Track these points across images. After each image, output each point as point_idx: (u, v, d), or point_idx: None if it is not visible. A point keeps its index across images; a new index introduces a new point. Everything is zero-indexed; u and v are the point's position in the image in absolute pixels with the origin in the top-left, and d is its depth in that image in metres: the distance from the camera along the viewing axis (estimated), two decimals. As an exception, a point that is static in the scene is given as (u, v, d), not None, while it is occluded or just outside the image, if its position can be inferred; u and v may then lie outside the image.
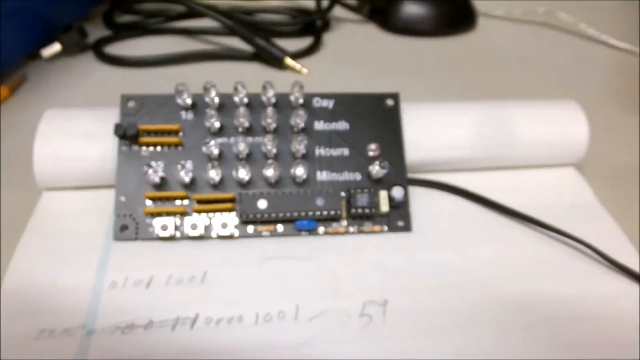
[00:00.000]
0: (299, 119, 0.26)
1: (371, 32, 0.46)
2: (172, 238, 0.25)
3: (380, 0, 0.46)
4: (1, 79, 0.36)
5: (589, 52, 0.45)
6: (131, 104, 0.27)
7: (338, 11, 0.47)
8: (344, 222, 0.26)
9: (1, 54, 0.35)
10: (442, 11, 0.46)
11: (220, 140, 0.26)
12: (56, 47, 0.39)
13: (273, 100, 0.27)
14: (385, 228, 0.26)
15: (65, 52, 0.39)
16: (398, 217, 0.26)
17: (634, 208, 0.29)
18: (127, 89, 0.28)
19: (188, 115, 0.27)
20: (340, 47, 0.43)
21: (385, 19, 0.46)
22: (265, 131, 0.27)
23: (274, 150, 0.26)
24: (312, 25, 0.44)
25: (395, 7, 0.45)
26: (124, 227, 0.25)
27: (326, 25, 0.45)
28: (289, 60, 0.38)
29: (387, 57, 0.42)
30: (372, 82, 0.38)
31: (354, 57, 0.42)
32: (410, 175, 0.28)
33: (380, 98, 0.28)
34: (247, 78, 0.26)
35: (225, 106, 0.27)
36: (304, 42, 0.42)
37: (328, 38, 0.44)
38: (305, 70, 0.39)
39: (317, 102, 0.28)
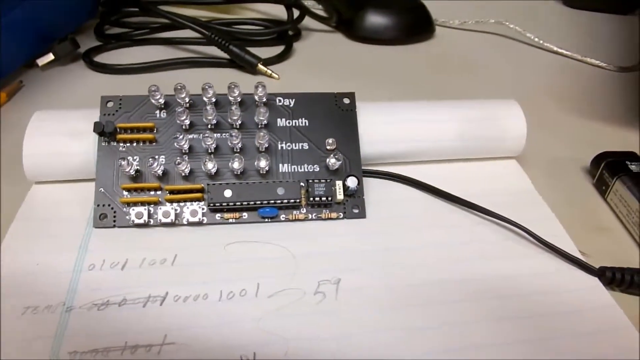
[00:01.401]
0: (261, 116, 0.26)
1: (338, 40, 0.46)
2: (146, 225, 0.25)
3: (347, 11, 0.46)
4: (0, 85, 0.36)
5: (534, 58, 0.46)
6: (110, 104, 0.27)
7: (309, 21, 0.47)
8: (304, 210, 0.26)
9: (2, 63, 0.35)
10: (402, 21, 0.46)
11: (190, 135, 0.26)
12: (50, 56, 0.39)
13: (239, 99, 0.27)
14: (341, 215, 0.26)
15: (58, 61, 0.39)
16: (353, 205, 0.26)
17: (567, 195, 0.30)
18: (114, 93, 0.27)
19: (162, 114, 0.27)
20: (310, 54, 0.43)
21: (351, 28, 0.46)
22: (231, 127, 0.27)
23: (240, 145, 0.26)
24: (285, 35, 0.44)
25: (360, 17, 0.45)
26: (103, 216, 0.25)
27: (297, 35, 0.45)
28: (261, 67, 0.38)
29: (352, 63, 0.43)
30: (337, 85, 0.38)
31: (322, 63, 0.42)
32: (365, 167, 0.28)
33: (337, 97, 0.28)
34: (224, 82, 0.26)
35: (196, 105, 0.27)
36: (277, 50, 0.42)
37: (299, 46, 0.44)
38: (276, 75, 0.39)
39: (280, 101, 0.28)
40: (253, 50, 0.40)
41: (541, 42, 0.46)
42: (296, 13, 0.44)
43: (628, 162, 0.29)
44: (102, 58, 0.40)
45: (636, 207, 0.27)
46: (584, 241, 0.26)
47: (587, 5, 0.56)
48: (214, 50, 0.41)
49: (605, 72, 0.44)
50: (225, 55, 0.40)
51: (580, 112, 0.38)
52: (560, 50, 0.46)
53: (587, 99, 0.40)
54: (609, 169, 0.29)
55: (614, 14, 0.56)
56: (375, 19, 0.45)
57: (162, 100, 0.26)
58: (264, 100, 0.27)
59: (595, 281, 0.24)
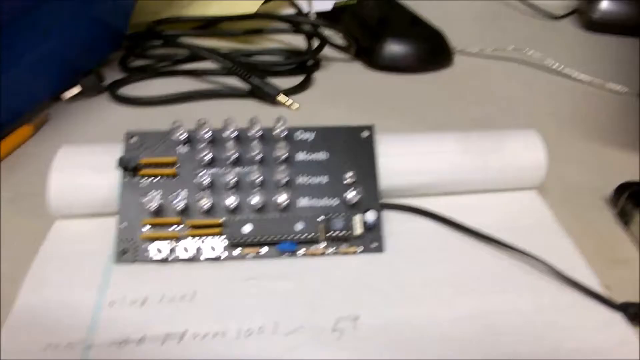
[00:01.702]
0: (281, 151, 0.26)
1: (357, 70, 0.46)
2: (166, 260, 0.25)
3: (366, 40, 0.46)
4: (28, 118, 0.36)
5: (554, 85, 0.45)
6: (134, 139, 0.27)
7: (328, 51, 0.47)
8: (322, 244, 0.26)
9: (29, 97, 0.36)
10: (421, 49, 0.46)
11: (211, 170, 0.26)
12: (76, 89, 0.39)
13: (259, 133, 0.27)
14: (360, 249, 0.26)
15: (84, 94, 0.40)
16: (371, 239, 0.26)
17: (589, 226, 0.29)
18: (138, 125, 0.28)
19: (183, 149, 0.27)
20: (329, 83, 0.43)
21: (370, 58, 0.46)
22: (252, 162, 0.27)
23: (260, 179, 0.26)
24: (304, 65, 0.44)
25: (379, 47, 0.45)
26: (124, 251, 0.25)
27: (317, 65, 0.45)
28: (281, 97, 0.39)
29: (371, 92, 0.43)
30: (357, 114, 0.38)
31: (342, 93, 0.42)
32: (384, 200, 0.28)
33: (356, 130, 0.28)
34: (244, 113, 0.27)
35: (217, 140, 0.27)
36: (297, 80, 0.42)
37: (318, 76, 0.44)
38: (296, 105, 0.39)
39: (299, 135, 0.28)
40: (273, 80, 0.40)
41: (561, 68, 0.46)
42: (316, 43, 0.44)
43: (652, 193, 0.29)
44: (127, 90, 0.41)
45: (662, 240, 0.26)
46: (606, 274, 0.25)
47: (608, 29, 0.55)
48: (233, 81, 0.41)
49: (627, 98, 0.43)
50: (246, 86, 0.40)
51: (602, 139, 0.37)
52: (581, 76, 0.45)
53: (609, 126, 0.39)
54: (632, 199, 0.29)
55: (635, 37, 0.55)
56: (395, 48, 0.45)
57: (184, 136, 0.26)
58: (284, 134, 0.27)
59: (617, 317, 0.23)
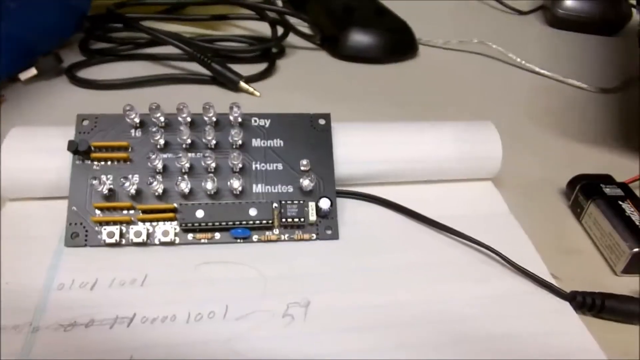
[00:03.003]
0: (236, 137, 0.26)
1: (322, 59, 0.46)
2: (118, 244, 0.25)
3: (331, 29, 0.47)
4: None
5: (515, 78, 0.46)
6: (85, 122, 0.27)
7: (293, 39, 0.47)
8: (276, 231, 0.26)
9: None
10: (386, 40, 0.46)
11: (164, 155, 0.26)
12: (33, 71, 0.39)
13: (214, 119, 0.27)
14: (314, 236, 0.26)
15: (41, 76, 0.39)
16: (326, 226, 0.27)
17: (542, 217, 0.30)
18: (97, 109, 0.27)
19: (137, 133, 0.27)
20: (293, 72, 0.43)
21: (335, 47, 0.46)
22: (206, 147, 0.27)
23: (213, 165, 0.26)
24: (268, 52, 0.44)
25: (344, 36, 0.45)
26: (74, 234, 0.25)
27: (281, 52, 0.45)
28: (243, 84, 0.39)
29: (335, 82, 0.43)
30: (319, 104, 0.38)
31: (305, 81, 0.42)
32: (340, 187, 0.28)
33: (313, 117, 0.28)
34: (206, 100, 0.26)
35: (171, 124, 0.27)
36: (260, 67, 0.42)
37: (282, 64, 0.44)
38: (257, 93, 0.39)
39: (255, 122, 0.28)
40: (236, 67, 0.40)
41: (523, 62, 0.47)
42: (280, 30, 0.44)
43: (603, 185, 0.30)
44: (86, 73, 0.40)
45: (609, 231, 0.27)
46: (557, 264, 0.26)
47: (571, 26, 0.57)
48: (197, 67, 0.41)
49: (586, 94, 0.44)
50: (208, 72, 0.40)
51: (560, 133, 0.38)
52: (541, 71, 0.46)
53: (567, 120, 0.40)
54: (584, 191, 0.30)
55: (597, 35, 0.56)
56: (359, 38, 0.45)
57: (137, 120, 0.26)
58: (239, 120, 0.27)
59: (565, 305, 0.24)
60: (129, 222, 0.25)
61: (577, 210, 0.30)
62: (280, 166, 0.27)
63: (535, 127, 0.39)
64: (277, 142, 0.27)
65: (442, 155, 0.29)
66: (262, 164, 0.27)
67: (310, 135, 0.28)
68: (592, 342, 0.22)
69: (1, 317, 0.22)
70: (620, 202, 0.28)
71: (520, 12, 0.60)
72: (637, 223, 0.27)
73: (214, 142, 0.26)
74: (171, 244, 0.25)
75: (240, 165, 0.26)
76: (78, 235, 0.25)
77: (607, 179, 0.30)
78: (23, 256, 0.24)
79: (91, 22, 0.43)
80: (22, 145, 0.26)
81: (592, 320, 0.24)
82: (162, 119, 0.26)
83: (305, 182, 0.26)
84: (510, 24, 0.58)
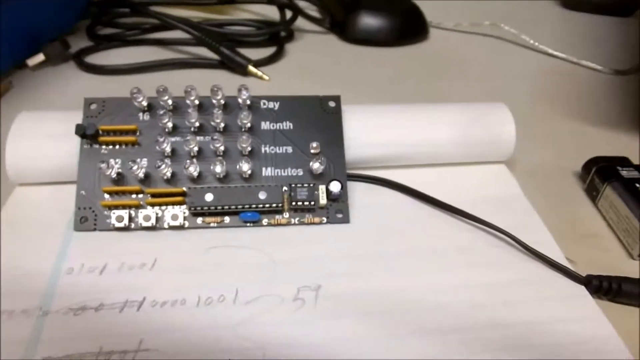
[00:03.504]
0: (244, 120, 0.26)
1: (331, 42, 0.46)
2: (127, 229, 0.25)
3: (340, 12, 0.46)
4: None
5: (528, 60, 0.45)
6: (93, 106, 0.26)
7: (302, 23, 0.47)
8: (286, 214, 0.26)
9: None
10: (396, 23, 0.45)
11: (173, 139, 0.26)
12: (40, 57, 0.39)
13: (222, 102, 0.26)
14: (324, 220, 0.26)
15: (49, 62, 0.39)
16: (337, 210, 0.26)
17: (557, 201, 0.29)
18: (104, 94, 0.27)
19: (145, 116, 0.26)
20: (302, 55, 0.43)
21: (344, 30, 0.46)
22: (214, 131, 0.26)
23: (222, 148, 0.26)
24: (277, 36, 0.44)
25: (353, 19, 0.45)
26: (83, 219, 0.25)
27: (290, 36, 0.45)
28: (251, 68, 0.38)
29: (344, 65, 0.42)
30: (329, 87, 0.38)
31: (314, 65, 0.42)
32: (351, 171, 0.28)
33: (322, 100, 0.28)
34: (213, 84, 0.26)
35: (179, 108, 0.27)
36: (269, 51, 0.42)
37: (291, 48, 0.44)
38: (266, 77, 0.38)
39: (264, 104, 0.27)
40: (245, 51, 0.40)
41: (536, 44, 0.46)
42: (289, 14, 0.44)
43: (619, 168, 0.29)
44: (93, 59, 0.40)
45: (625, 214, 0.26)
46: (573, 248, 0.26)
47: (585, 7, 0.56)
48: (205, 51, 0.40)
49: (600, 75, 0.43)
50: (216, 57, 0.39)
51: (574, 115, 0.37)
52: (555, 53, 0.45)
53: (581, 102, 0.39)
54: (600, 174, 0.29)
55: (612, 16, 0.55)
56: (369, 21, 0.45)
57: (144, 103, 0.26)
58: (248, 103, 0.27)
59: (581, 289, 0.24)
60: (137, 206, 0.25)
61: (593, 194, 0.29)
62: (290, 149, 0.27)
63: (549, 109, 0.38)
64: (287, 125, 0.27)
65: (454, 137, 0.29)
66: (272, 147, 0.26)
67: (320, 118, 0.27)
68: (609, 327, 0.22)
69: (11, 301, 0.21)
70: (638, 185, 0.27)
71: (533, -6, 0.59)
72: (655, 205, 0.26)
73: (222, 125, 0.26)
74: (180, 228, 0.25)
75: (249, 149, 0.26)
76: (87, 219, 0.25)
77: (624, 162, 0.30)
78: (32, 241, 0.24)
79: (98, 7, 0.43)
80: (30, 130, 0.26)
81: (608, 305, 0.23)
82: (170, 102, 0.26)
83: (316, 165, 0.26)
84: (523, 5, 0.57)
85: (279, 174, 0.26)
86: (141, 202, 0.25)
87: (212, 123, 0.26)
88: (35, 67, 0.39)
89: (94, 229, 0.25)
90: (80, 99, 0.27)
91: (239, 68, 0.38)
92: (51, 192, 0.27)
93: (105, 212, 0.25)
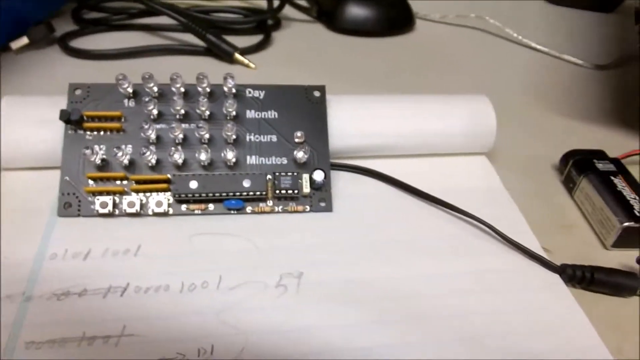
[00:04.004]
0: (230, 108, 0.26)
1: (318, 31, 0.46)
2: (111, 215, 0.25)
3: (328, 2, 0.46)
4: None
5: (512, 54, 0.46)
6: (78, 92, 0.26)
7: (289, 11, 0.46)
8: (270, 202, 0.26)
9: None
10: (383, 13, 0.45)
11: (158, 126, 0.26)
12: (24, 40, 0.38)
13: (208, 90, 0.26)
14: (308, 208, 0.26)
15: (33, 45, 0.39)
16: (320, 198, 0.26)
17: (535, 192, 0.30)
18: (89, 79, 0.27)
19: (130, 103, 0.26)
20: (289, 44, 0.43)
21: (332, 20, 0.46)
22: (200, 118, 0.26)
23: (207, 136, 0.26)
24: (264, 24, 0.43)
25: (340, 9, 0.45)
26: (67, 205, 0.25)
27: (277, 24, 0.45)
28: (238, 56, 0.38)
29: (331, 55, 0.42)
30: (315, 76, 0.38)
31: (301, 54, 0.42)
32: (335, 160, 0.28)
33: (307, 90, 0.28)
34: (199, 71, 0.26)
35: (164, 95, 0.26)
36: (256, 39, 0.41)
37: (278, 36, 0.44)
38: (252, 65, 0.38)
39: (249, 93, 0.27)
40: (231, 39, 0.39)
41: (520, 37, 0.46)
42: (276, 2, 0.44)
43: (595, 161, 0.29)
44: (79, 43, 0.40)
45: (600, 205, 0.27)
46: (549, 238, 0.26)
47: (568, 2, 0.56)
48: (191, 38, 0.40)
49: (581, 70, 0.44)
50: (203, 43, 0.39)
51: (555, 109, 0.38)
52: (538, 47, 0.46)
53: (562, 96, 0.40)
54: (577, 166, 0.29)
55: (594, 11, 0.56)
56: (356, 11, 0.45)
57: (130, 89, 0.26)
58: (234, 91, 0.27)
59: (556, 278, 0.24)
60: (122, 193, 0.25)
61: (570, 185, 0.30)
62: (274, 138, 0.27)
63: (530, 102, 0.38)
64: (272, 114, 0.27)
65: (436, 128, 0.29)
66: (256, 136, 0.27)
67: (305, 107, 0.28)
68: (581, 314, 0.23)
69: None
70: (612, 177, 0.28)
71: (518, -13, 0.59)
72: (628, 198, 0.27)
73: (207, 113, 0.26)
74: (164, 214, 0.25)
75: (234, 137, 0.26)
76: (71, 205, 0.25)
77: (600, 155, 0.30)
78: (15, 226, 0.24)
79: (84, -10, 0.43)
80: (14, 115, 0.26)
81: (581, 293, 0.24)
82: (155, 89, 0.26)
83: (300, 154, 0.26)
84: (508, -1, 0.57)
85: (264, 162, 0.26)
86: (125, 189, 0.25)
87: (197, 111, 0.26)
88: (18, 50, 0.38)
89: (78, 215, 0.25)
90: (64, 84, 0.27)
91: (225, 56, 0.38)
92: (35, 178, 0.27)
93: (90, 198, 0.25)
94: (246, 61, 0.38)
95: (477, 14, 0.48)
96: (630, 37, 0.49)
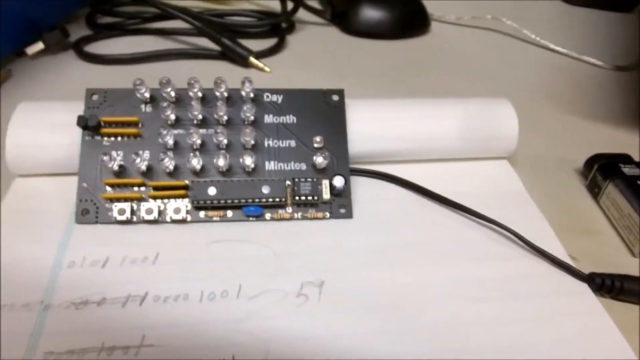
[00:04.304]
0: (248, 113, 0.25)
1: (333, 34, 0.45)
2: (129, 222, 0.24)
3: (342, 4, 0.46)
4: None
5: (530, 55, 0.45)
6: (95, 97, 0.26)
7: (303, 14, 0.46)
8: (289, 209, 0.25)
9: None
10: (397, 15, 0.45)
11: (175, 131, 0.25)
12: (39, 45, 0.38)
13: (225, 94, 0.26)
14: (328, 215, 0.26)
15: (48, 51, 0.39)
16: (340, 205, 0.26)
17: (559, 197, 0.29)
18: (104, 84, 0.27)
19: (147, 108, 0.26)
20: (303, 47, 0.43)
21: (346, 22, 0.45)
22: (217, 123, 0.26)
23: (225, 141, 0.25)
24: (278, 27, 0.43)
25: (355, 11, 0.44)
26: (85, 211, 0.24)
27: (291, 27, 0.44)
28: (253, 59, 0.38)
29: (346, 58, 0.42)
30: (330, 80, 0.38)
31: (315, 57, 0.41)
32: (353, 165, 0.27)
33: (326, 93, 0.28)
34: (215, 75, 0.26)
35: (182, 100, 0.26)
36: (270, 43, 0.41)
37: (292, 39, 0.43)
38: (268, 69, 0.38)
39: (267, 97, 0.27)
40: (245, 42, 0.39)
41: (538, 39, 0.46)
42: (290, 5, 0.43)
43: (621, 165, 0.29)
44: (93, 48, 0.40)
45: (628, 211, 0.26)
46: (574, 244, 0.26)
47: (586, 2, 0.55)
48: (205, 42, 0.40)
49: (601, 71, 0.43)
50: (217, 47, 0.39)
51: (575, 111, 0.37)
52: (556, 48, 0.45)
53: (583, 98, 0.39)
54: (602, 171, 0.29)
55: (612, 11, 0.55)
56: (370, 13, 0.44)
57: (147, 95, 0.26)
58: (251, 96, 0.26)
59: (584, 287, 0.24)
60: (140, 199, 0.25)
61: (595, 190, 0.29)
62: (293, 143, 0.26)
63: (550, 105, 0.38)
64: (290, 119, 0.27)
65: (457, 132, 0.29)
66: (275, 141, 0.26)
67: (323, 112, 0.27)
68: (611, 325, 0.22)
69: (11, 294, 0.21)
70: (639, 182, 0.27)
71: (534, -12, 0.59)
72: (657, 203, 0.26)
73: (225, 117, 0.26)
74: (182, 221, 0.25)
75: (252, 142, 0.25)
76: (89, 212, 0.24)
77: (626, 159, 0.30)
78: (33, 233, 0.24)
79: (99, -5, 0.43)
80: (31, 120, 0.26)
81: (610, 303, 0.23)
82: (172, 93, 0.26)
83: (319, 160, 0.25)
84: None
85: (282, 167, 0.26)
86: (143, 195, 0.25)
87: (215, 116, 0.26)
88: (34, 55, 0.38)
89: (96, 222, 0.24)
90: (79, 89, 0.26)
91: (240, 59, 0.38)
92: (51, 184, 0.26)
93: (107, 205, 0.24)
94: (261, 65, 0.38)
95: (493, 15, 0.48)
96: (649, 38, 0.49)
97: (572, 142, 0.34)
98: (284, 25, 0.44)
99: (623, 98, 0.40)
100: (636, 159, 0.30)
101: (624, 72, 0.43)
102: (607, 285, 0.23)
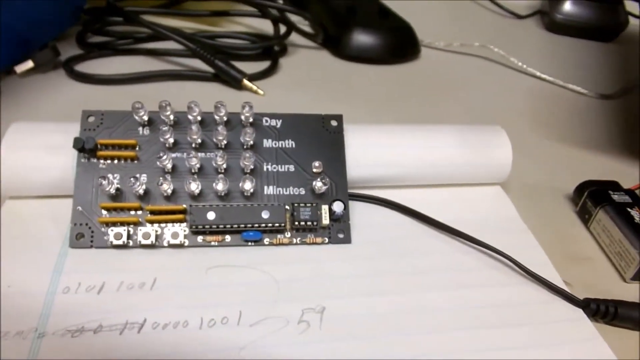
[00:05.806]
0: (247, 137, 0.25)
1: (324, 58, 0.46)
2: (125, 246, 0.24)
3: (333, 28, 0.46)
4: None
5: (517, 82, 0.46)
6: (91, 119, 0.26)
7: (295, 38, 0.46)
8: (288, 234, 0.25)
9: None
10: (388, 41, 0.45)
11: (174, 155, 0.25)
12: (29, 64, 0.37)
13: (225, 118, 0.26)
14: (326, 240, 0.26)
15: (38, 69, 0.38)
16: (338, 230, 0.26)
17: (550, 223, 0.29)
18: (94, 105, 0.26)
19: (145, 131, 0.26)
20: (296, 70, 0.43)
21: (338, 47, 0.45)
22: (216, 147, 0.26)
23: (224, 165, 0.25)
24: (271, 50, 0.43)
25: (346, 36, 0.45)
26: (80, 235, 0.24)
27: (283, 51, 0.45)
28: (246, 82, 0.38)
29: (337, 82, 0.42)
30: (322, 103, 0.38)
31: (308, 81, 0.42)
32: (352, 190, 0.27)
33: (325, 119, 0.28)
34: (208, 97, 0.26)
35: (180, 123, 0.26)
36: (263, 66, 0.41)
37: (285, 62, 0.44)
38: (261, 92, 0.38)
39: (266, 122, 0.27)
40: (238, 64, 0.39)
41: (524, 66, 0.46)
42: (283, 29, 0.44)
43: (611, 192, 0.29)
44: (84, 67, 0.39)
45: (619, 237, 0.27)
46: (566, 270, 0.26)
47: (569, 31, 0.57)
48: (198, 63, 0.40)
49: (586, 99, 0.44)
50: (210, 69, 0.39)
51: (562, 138, 0.38)
52: (542, 76, 0.46)
53: (569, 125, 0.40)
54: (592, 198, 0.29)
55: (595, 41, 0.56)
56: (362, 39, 0.45)
57: (145, 117, 0.25)
58: (251, 120, 0.26)
59: (579, 313, 0.24)
60: (136, 223, 0.24)
61: (585, 217, 0.30)
62: (292, 168, 0.26)
63: (538, 131, 0.39)
64: (289, 143, 0.27)
65: (453, 159, 0.29)
66: (274, 165, 0.26)
67: (322, 137, 0.27)
68: (608, 351, 0.22)
69: (4, 322, 0.20)
70: (629, 209, 0.28)
71: (518, 16, 0.60)
72: (647, 230, 0.26)
73: (224, 142, 0.26)
74: (180, 246, 0.24)
75: (251, 167, 0.25)
76: (83, 236, 0.24)
77: (615, 186, 0.30)
78: (25, 257, 0.23)
79: (91, 15, 0.42)
80: (24, 142, 0.25)
81: (605, 328, 0.23)
82: (171, 117, 0.26)
83: (318, 185, 0.25)
84: (509, 27, 0.58)
85: (281, 192, 0.26)
86: (140, 219, 0.24)
87: (214, 139, 0.26)
88: (23, 73, 0.37)
89: (91, 246, 0.24)
90: (70, 108, 0.26)
91: (233, 82, 0.38)
92: (44, 206, 0.26)
93: (103, 229, 0.24)
94: (255, 87, 0.38)
95: (480, 42, 0.49)
96: (631, 67, 0.50)
97: (560, 168, 0.34)
98: (276, 48, 0.44)
99: (608, 125, 0.40)
100: (623, 185, 0.30)
101: (609, 100, 0.44)
102: (602, 311, 0.24)
